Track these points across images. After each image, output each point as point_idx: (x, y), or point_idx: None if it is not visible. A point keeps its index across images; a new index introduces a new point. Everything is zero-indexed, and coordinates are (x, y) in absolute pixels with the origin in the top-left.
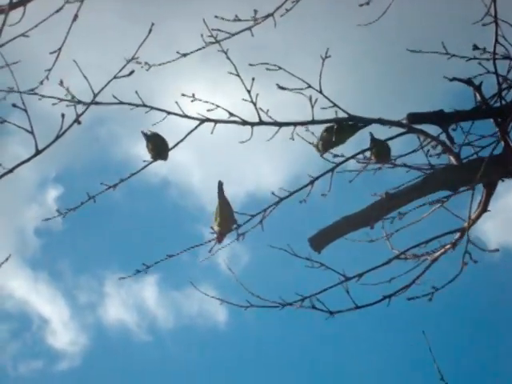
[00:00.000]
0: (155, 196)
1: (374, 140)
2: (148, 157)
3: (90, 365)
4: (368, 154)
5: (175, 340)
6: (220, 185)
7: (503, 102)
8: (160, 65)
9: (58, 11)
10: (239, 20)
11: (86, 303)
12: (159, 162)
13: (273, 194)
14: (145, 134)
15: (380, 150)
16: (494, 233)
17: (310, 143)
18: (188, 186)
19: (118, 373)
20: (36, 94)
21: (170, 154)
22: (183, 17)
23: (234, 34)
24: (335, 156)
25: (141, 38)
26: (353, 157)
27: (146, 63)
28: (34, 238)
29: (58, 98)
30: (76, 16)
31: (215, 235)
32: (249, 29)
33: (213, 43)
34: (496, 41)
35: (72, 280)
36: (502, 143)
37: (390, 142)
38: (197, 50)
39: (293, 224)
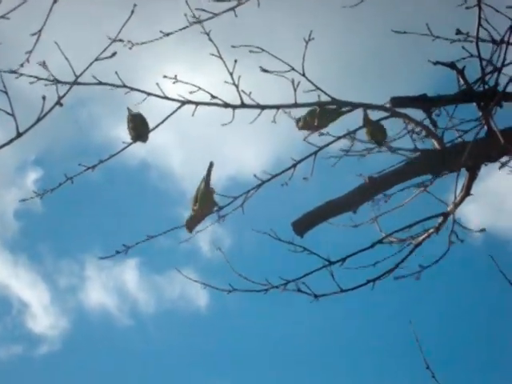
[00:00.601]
0: (135, 178)
1: (368, 120)
2: (128, 137)
3: (71, 349)
4: (353, 135)
5: (157, 324)
6: (210, 165)
7: (486, 87)
8: (143, 44)
9: None
10: (223, 0)
11: (67, 287)
12: (139, 144)
13: (255, 176)
14: (129, 111)
15: (376, 131)
16: (475, 216)
17: (293, 119)
18: (168, 168)
19: (99, 357)
20: (15, 72)
21: (150, 135)
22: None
23: (217, 14)
24: (321, 134)
25: (123, 18)
26: (336, 140)
27: (128, 41)
28: (14, 221)
29: (37, 77)
30: None
31: (193, 216)
32: (232, 9)
33: (195, 23)
34: (479, 24)
35: (52, 263)
36: (485, 127)
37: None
38: (179, 30)
39: (275, 207)
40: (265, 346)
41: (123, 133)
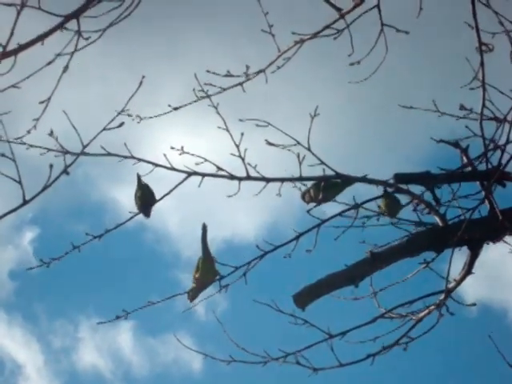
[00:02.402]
0: (131, 239)
1: (387, 197)
2: (133, 204)
3: None
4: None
5: None
6: (204, 228)
7: (489, 164)
8: (151, 118)
9: (49, 64)
10: (231, 75)
11: (61, 348)
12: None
13: (257, 247)
14: (139, 178)
15: (391, 204)
16: (471, 288)
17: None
18: (164, 230)
19: None
20: (24, 143)
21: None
22: (175, 71)
23: (225, 89)
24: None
25: (131, 88)
26: (340, 214)
27: (137, 116)
28: (9, 281)
29: (47, 148)
30: (66, 67)
31: (195, 286)
32: (240, 84)
33: (204, 98)
34: (483, 104)
35: (47, 324)
36: (488, 206)
37: (377, 201)
38: (188, 104)
39: (277, 278)
40: None
41: (119, 194)
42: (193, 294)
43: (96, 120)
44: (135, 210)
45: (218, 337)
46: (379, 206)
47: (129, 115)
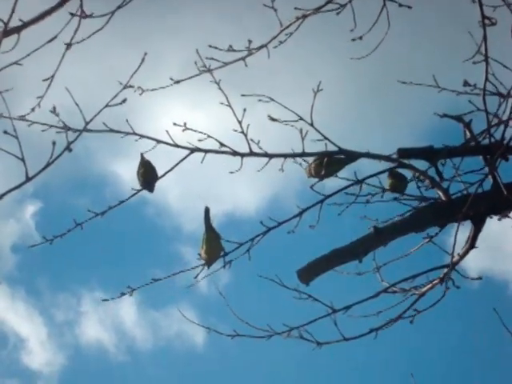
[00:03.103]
0: (132, 213)
1: (393, 177)
2: (136, 181)
3: None
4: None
5: (153, 361)
6: (206, 211)
7: (492, 139)
8: (153, 90)
9: (50, 41)
10: (233, 50)
11: (64, 322)
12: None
13: (261, 223)
14: (142, 157)
15: (398, 184)
16: (473, 260)
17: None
18: (165, 204)
19: None
20: (27, 120)
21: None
22: (176, 46)
23: (227, 64)
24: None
25: (133, 63)
26: (343, 189)
27: (139, 87)
28: (11, 255)
29: (49, 125)
30: (69, 45)
31: (203, 262)
32: (242, 59)
33: (205, 71)
34: (486, 79)
35: (50, 298)
36: (491, 180)
37: (380, 176)
38: (189, 78)
39: (279, 252)
40: None
41: (120, 169)
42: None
43: (98, 97)
44: (137, 186)
45: (220, 310)
46: (385, 187)
47: (131, 86)
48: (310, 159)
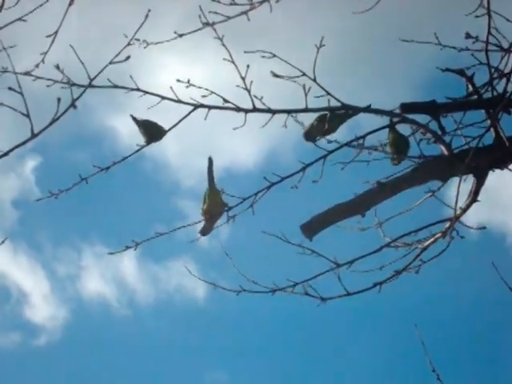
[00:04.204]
0: (129, 168)
1: (394, 132)
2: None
3: (69, 339)
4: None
5: (154, 315)
6: (210, 162)
7: (494, 92)
8: (157, 43)
9: None
10: (235, 4)
11: (66, 276)
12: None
13: (265, 178)
14: (135, 120)
15: (400, 146)
16: (471, 211)
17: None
18: (164, 159)
19: (97, 347)
20: (31, 75)
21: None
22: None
23: (229, 18)
24: (329, 142)
25: (138, 22)
26: (345, 145)
27: (144, 41)
28: (12, 210)
29: (54, 80)
30: (72, 1)
31: (205, 218)
32: (245, 13)
33: (208, 25)
34: (489, 32)
35: (51, 252)
36: (493, 133)
37: (382, 131)
38: (192, 32)
39: (282, 208)
40: (263, 340)
41: (118, 124)
42: (204, 230)
43: (98, 53)
44: (141, 142)
45: (221, 264)
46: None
47: (137, 39)
48: (309, 119)
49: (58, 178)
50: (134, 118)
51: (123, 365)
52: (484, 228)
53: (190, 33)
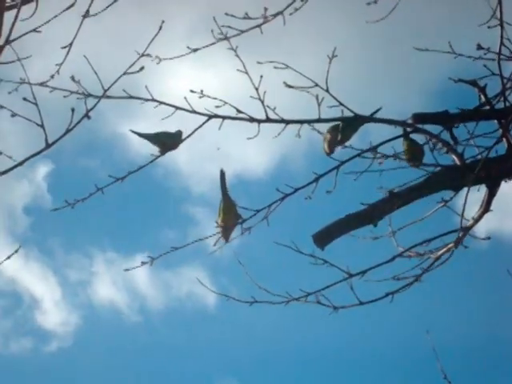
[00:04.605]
0: (140, 175)
1: (409, 140)
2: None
3: (81, 345)
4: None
5: (165, 322)
6: (222, 174)
7: (506, 103)
8: (171, 59)
9: (68, 8)
10: (249, 18)
11: (77, 282)
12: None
13: (277, 190)
14: (137, 134)
15: (415, 154)
16: (482, 223)
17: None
18: (174, 166)
19: (108, 353)
20: (47, 86)
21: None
22: (191, 14)
23: (243, 31)
24: (344, 147)
25: (150, 32)
26: (358, 154)
27: (156, 57)
28: (23, 216)
29: (69, 91)
30: (87, 12)
31: (220, 230)
32: (258, 26)
33: (222, 39)
34: (501, 43)
35: (62, 258)
36: (505, 144)
37: (395, 142)
38: (206, 46)
39: (296, 220)
40: (274, 348)
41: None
42: (225, 235)
43: (112, 64)
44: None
45: (232, 272)
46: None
47: (148, 55)
48: (324, 133)
49: (70, 185)
50: (136, 133)
51: (134, 371)
52: (489, 238)
53: (203, 47)
